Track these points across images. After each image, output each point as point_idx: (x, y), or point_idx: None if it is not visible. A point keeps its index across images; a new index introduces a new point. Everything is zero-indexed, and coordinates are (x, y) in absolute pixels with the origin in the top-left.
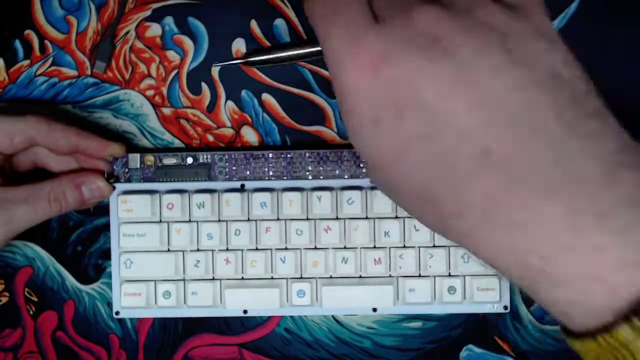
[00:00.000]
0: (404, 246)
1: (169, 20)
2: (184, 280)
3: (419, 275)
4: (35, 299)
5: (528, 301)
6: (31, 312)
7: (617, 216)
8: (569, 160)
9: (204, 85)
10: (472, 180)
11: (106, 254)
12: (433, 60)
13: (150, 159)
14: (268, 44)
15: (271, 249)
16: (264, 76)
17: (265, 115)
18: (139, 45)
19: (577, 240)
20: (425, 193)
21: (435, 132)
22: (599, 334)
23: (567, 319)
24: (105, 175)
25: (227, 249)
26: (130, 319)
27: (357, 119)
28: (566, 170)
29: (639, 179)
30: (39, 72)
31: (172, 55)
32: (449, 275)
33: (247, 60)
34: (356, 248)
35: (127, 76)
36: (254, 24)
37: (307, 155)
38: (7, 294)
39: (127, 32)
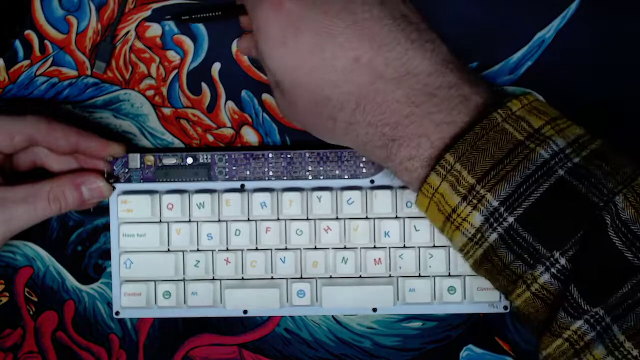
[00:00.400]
0: (404, 246)
1: (169, 20)
2: (184, 280)
3: (419, 275)
4: (35, 299)
5: None
6: (31, 312)
7: (439, 94)
8: (411, 62)
9: (204, 85)
10: (348, 77)
11: (106, 254)
12: None
13: (150, 159)
14: None
15: (271, 249)
16: (264, 76)
17: (265, 115)
18: (139, 45)
19: (414, 110)
20: (319, 95)
21: (323, 42)
22: (423, 185)
23: (410, 177)
24: (105, 175)
25: (227, 249)
26: (130, 319)
27: (270, 43)
28: (409, 68)
29: (456, 76)
30: (39, 72)
31: (172, 55)
32: (449, 275)
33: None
34: (356, 248)
35: (127, 76)
36: None
37: (307, 155)
38: (7, 294)
39: (127, 32)
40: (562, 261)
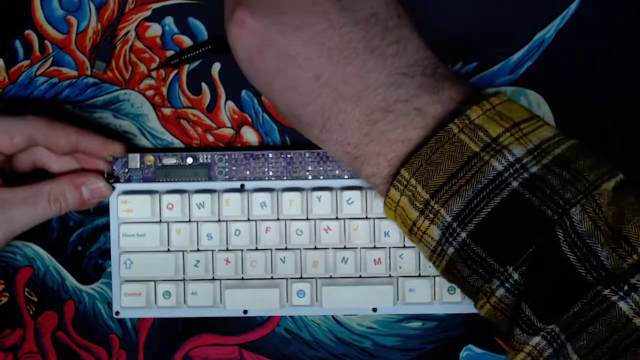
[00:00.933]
0: (404, 246)
1: (169, 20)
2: (184, 280)
3: (419, 275)
4: (35, 299)
5: None
6: (31, 312)
7: (395, 109)
8: (369, 75)
9: (204, 85)
10: (312, 98)
11: (106, 254)
12: (282, 11)
13: (150, 159)
14: None
15: (271, 249)
16: None
17: (265, 115)
18: (139, 45)
19: (371, 129)
20: (292, 113)
21: (285, 64)
22: (386, 198)
23: (377, 191)
24: (105, 176)
25: (227, 249)
26: (130, 319)
27: (242, 63)
28: (367, 83)
29: (416, 85)
30: (39, 72)
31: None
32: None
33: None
34: (356, 248)
35: (127, 76)
36: None
37: (307, 155)
38: (7, 294)
39: (127, 32)
40: (515, 276)
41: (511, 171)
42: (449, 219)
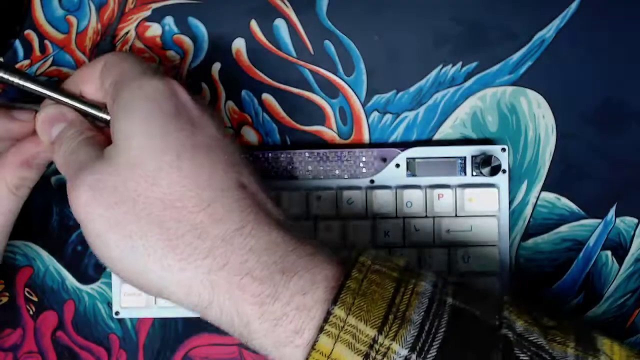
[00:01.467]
0: (404, 246)
1: (169, 20)
2: None
3: None
4: (35, 299)
5: (528, 301)
6: (31, 312)
7: (272, 312)
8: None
9: (204, 86)
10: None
11: None
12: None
13: None
14: (268, 44)
15: None
16: (264, 76)
17: (265, 115)
18: (139, 45)
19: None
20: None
21: (99, 249)
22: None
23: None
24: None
25: None
26: (130, 319)
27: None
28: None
29: (257, 292)
30: (39, 72)
31: (172, 55)
32: (449, 275)
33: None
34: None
35: None
36: (254, 24)
37: (307, 155)
38: (7, 294)
39: (127, 32)
40: None
41: (440, 286)
42: (404, 352)
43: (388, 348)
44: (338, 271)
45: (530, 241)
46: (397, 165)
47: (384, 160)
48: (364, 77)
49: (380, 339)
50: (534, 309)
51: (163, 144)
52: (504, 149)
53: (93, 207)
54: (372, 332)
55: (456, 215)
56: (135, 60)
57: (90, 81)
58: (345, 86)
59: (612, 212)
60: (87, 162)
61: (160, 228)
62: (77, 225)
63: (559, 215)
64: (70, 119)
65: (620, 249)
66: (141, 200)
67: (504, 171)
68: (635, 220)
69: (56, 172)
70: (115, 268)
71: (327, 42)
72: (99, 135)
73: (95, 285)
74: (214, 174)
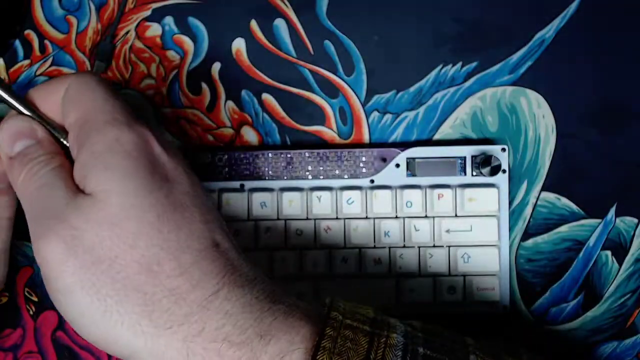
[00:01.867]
0: (404, 246)
1: (169, 20)
2: None
3: (419, 275)
4: (35, 299)
5: (528, 301)
6: (31, 312)
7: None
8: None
9: (204, 85)
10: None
11: None
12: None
13: None
14: (268, 44)
15: (271, 249)
16: (264, 76)
17: (265, 115)
18: (139, 45)
19: None
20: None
21: (65, 308)
22: None
23: None
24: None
25: None
26: None
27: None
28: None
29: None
30: (39, 72)
31: (172, 55)
32: (449, 275)
33: None
34: (356, 248)
35: (127, 76)
36: (254, 24)
37: (307, 155)
38: (7, 294)
39: (127, 32)
40: None
41: (410, 337)
42: None
43: None
44: (313, 331)
45: (530, 241)
46: (397, 165)
47: (384, 160)
48: (364, 77)
49: None
50: (495, 351)
51: (144, 204)
52: (504, 149)
53: (67, 266)
54: None
55: (456, 215)
56: (104, 95)
57: (49, 102)
58: (345, 86)
59: (612, 212)
60: (59, 207)
61: (137, 292)
62: None
63: (559, 215)
64: (40, 138)
65: (620, 249)
66: (118, 262)
67: (504, 171)
68: (635, 220)
69: None
70: (81, 330)
71: (327, 42)
72: (66, 162)
73: None
74: (191, 235)
